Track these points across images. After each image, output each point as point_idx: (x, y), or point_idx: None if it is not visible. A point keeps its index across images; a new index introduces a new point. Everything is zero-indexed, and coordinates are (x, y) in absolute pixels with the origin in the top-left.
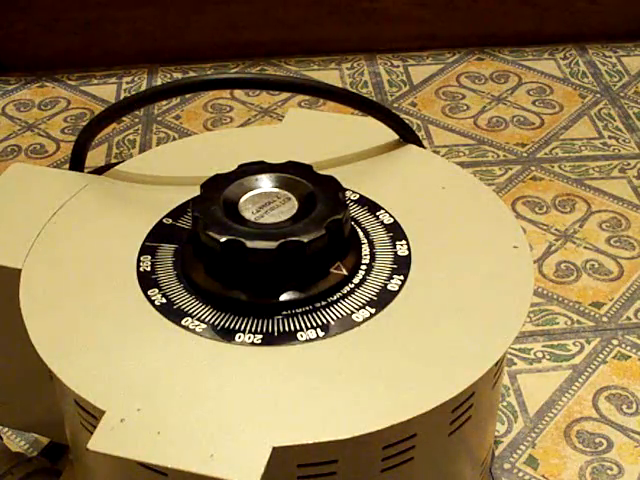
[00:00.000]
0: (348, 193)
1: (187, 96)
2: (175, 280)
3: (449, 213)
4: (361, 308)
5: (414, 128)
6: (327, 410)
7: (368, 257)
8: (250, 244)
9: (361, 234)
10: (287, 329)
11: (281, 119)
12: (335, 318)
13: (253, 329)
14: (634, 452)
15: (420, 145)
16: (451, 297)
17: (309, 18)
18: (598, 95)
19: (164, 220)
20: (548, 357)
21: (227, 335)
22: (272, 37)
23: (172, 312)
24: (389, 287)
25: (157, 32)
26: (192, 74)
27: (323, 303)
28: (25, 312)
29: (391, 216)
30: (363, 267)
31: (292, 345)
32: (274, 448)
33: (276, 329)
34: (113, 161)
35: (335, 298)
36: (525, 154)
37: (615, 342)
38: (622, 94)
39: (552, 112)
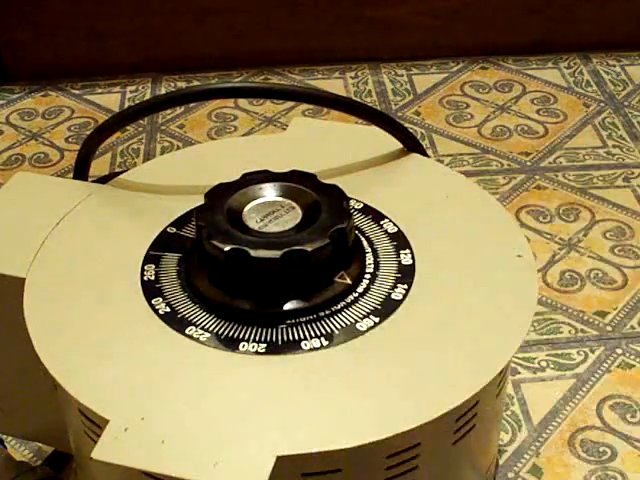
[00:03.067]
0: (352, 202)
1: (191, 105)
2: (179, 289)
3: (453, 222)
4: (365, 317)
5: (418, 137)
6: (331, 419)
7: (372, 266)
8: (254, 253)
9: (365, 243)
10: (291, 338)
11: (285, 128)
12: (339, 327)
13: (257, 338)
14: (638, 461)
15: (424, 154)
16: (455, 306)
17: (313, 27)
18: (602, 104)
19: (168, 229)
20: (552, 366)
21: (231, 344)
22: (276, 46)
23: (176, 321)
24: (393, 296)
25: (161, 41)
26: (196, 83)
27: (327, 312)
28: (29, 321)
29: (395, 225)
30: (367, 276)
31: (296, 354)
32: (278, 457)
33: (280, 338)
34: (117, 170)
35: (339, 307)
36: (529, 163)
37: (619, 351)
38: (626, 103)
39: (556, 121)
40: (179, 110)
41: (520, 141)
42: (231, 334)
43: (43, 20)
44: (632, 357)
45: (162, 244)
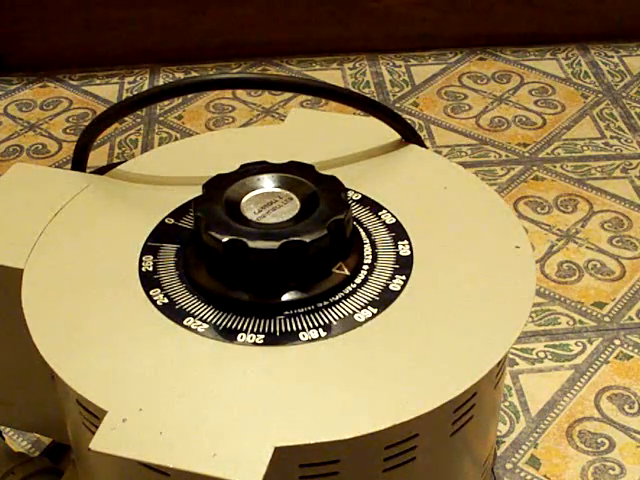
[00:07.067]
0: (350, 193)
1: (189, 96)
2: (177, 280)
3: (451, 213)
4: (363, 308)
5: (416, 128)
6: (329, 410)
7: (370, 257)
8: (252, 244)
9: (363, 234)
10: (289, 329)
11: (283, 119)
12: (337, 318)
13: (255, 329)
14: (636, 452)
15: (422, 145)
16: (453, 297)
17: (311, 18)
18: (600, 95)
19: (166, 220)
20: (550, 357)
21: (229, 335)
22: (274, 37)
23: (174, 312)
24: (391, 287)
25: (159, 32)
26: (194, 74)
27: (325, 303)
28: (27, 312)
29: (393, 216)
30: (365, 267)
31: (294, 345)
32: (276, 448)
33: (278, 329)
34: (115, 161)
35: (337, 298)
36: (527, 154)
37: (617, 342)
38: (624, 94)
39: (554, 112)
40: (177, 101)
41: (518, 132)
42: (229, 325)
43: (41, 11)
44: (630, 348)
45: (160, 235)
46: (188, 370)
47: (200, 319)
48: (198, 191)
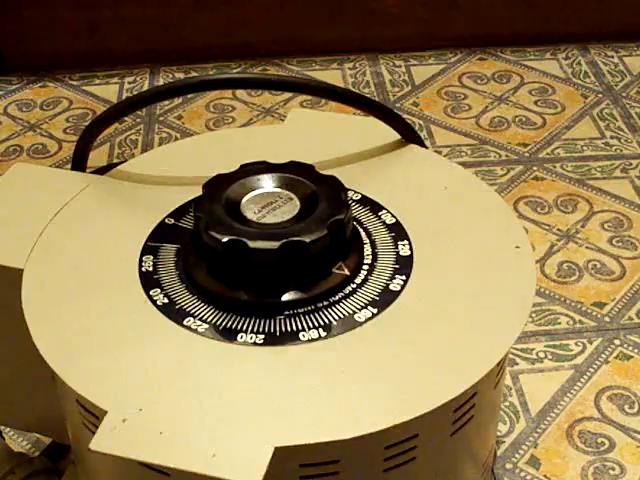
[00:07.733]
0: (350, 193)
1: (189, 96)
2: (177, 280)
3: (451, 213)
4: (363, 308)
5: (416, 128)
6: (329, 410)
7: (370, 257)
8: (252, 244)
9: (363, 234)
10: (289, 329)
11: (283, 119)
12: (337, 318)
13: (255, 329)
14: (636, 452)
15: (422, 145)
16: (453, 297)
17: (311, 18)
18: (600, 95)
19: (166, 220)
20: (550, 357)
21: (229, 335)
22: (274, 37)
23: (174, 312)
24: (391, 287)
25: (159, 32)
26: (194, 74)
27: (325, 303)
28: (27, 312)
29: (393, 216)
30: (365, 267)
31: (294, 345)
32: (276, 448)
33: (278, 329)
34: (115, 161)
35: (337, 298)
36: (527, 154)
37: (617, 342)
38: (624, 94)
39: (554, 112)
40: (177, 101)
41: (518, 132)
42: (229, 325)
43: (41, 11)
44: (630, 348)
45: (160, 235)
46: (188, 370)
47: (200, 319)
48: (198, 191)
